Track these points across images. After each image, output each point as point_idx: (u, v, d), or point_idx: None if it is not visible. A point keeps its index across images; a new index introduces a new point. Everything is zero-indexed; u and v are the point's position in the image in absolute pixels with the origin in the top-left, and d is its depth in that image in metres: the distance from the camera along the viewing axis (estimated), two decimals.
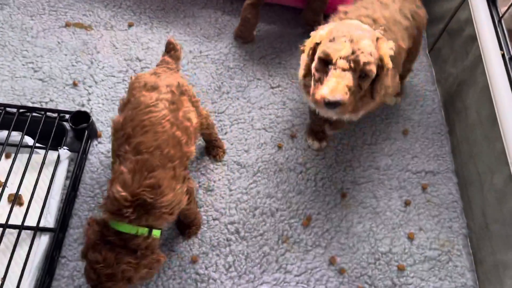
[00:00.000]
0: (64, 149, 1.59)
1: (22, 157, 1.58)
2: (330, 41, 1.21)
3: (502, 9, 1.70)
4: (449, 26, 1.92)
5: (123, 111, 1.23)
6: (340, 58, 1.17)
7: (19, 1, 1.96)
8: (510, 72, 1.54)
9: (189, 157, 1.22)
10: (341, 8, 1.46)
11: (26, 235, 1.45)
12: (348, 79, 1.16)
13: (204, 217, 1.59)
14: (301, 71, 1.37)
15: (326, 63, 1.21)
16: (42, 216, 1.46)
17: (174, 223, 1.53)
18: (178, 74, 1.37)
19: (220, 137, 1.77)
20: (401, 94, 1.89)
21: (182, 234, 1.53)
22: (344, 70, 1.17)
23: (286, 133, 1.82)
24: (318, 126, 1.72)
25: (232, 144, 1.76)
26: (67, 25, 1.93)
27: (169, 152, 1.14)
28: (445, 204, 1.70)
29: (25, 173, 1.50)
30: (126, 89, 1.80)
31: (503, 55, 1.59)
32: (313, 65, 1.27)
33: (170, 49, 1.43)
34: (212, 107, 1.84)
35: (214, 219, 1.59)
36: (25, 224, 1.43)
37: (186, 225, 1.51)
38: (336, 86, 1.16)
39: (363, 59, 1.17)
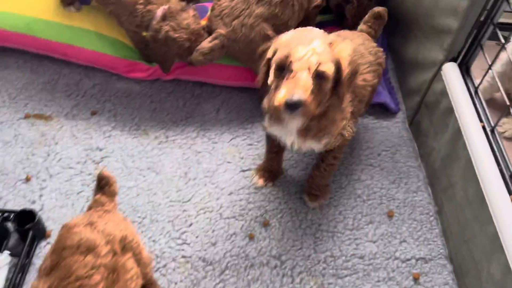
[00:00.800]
0: (4, 253, 1.42)
1: None
2: (283, 49, 1.21)
3: (477, 80, 1.61)
4: (426, 98, 1.83)
5: (48, 276, 0.98)
6: (294, 61, 1.17)
7: None
8: (494, 145, 1.41)
9: None
10: None
11: None
12: (304, 79, 1.16)
13: None
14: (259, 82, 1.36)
15: (281, 69, 1.21)
16: None
17: None
18: (118, 216, 1.17)
19: (184, 229, 1.60)
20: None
21: None
22: (299, 71, 1.17)
23: (258, 221, 1.64)
24: (271, 164, 1.70)
25: (197, 237, 1.59)
26: (26, 116, 1.85)
27: None
28: None
29: None
30: (82, 183, 1.71)
31: (483, 127, 1.47)
32: (270, 77, 1.25)
33: (104, 185, 1.20)
34: (177, 195, 1.69)
35: None
36: None
37: None
38: (293, 86, 1.15)
39: (315, 58, 1.18)
